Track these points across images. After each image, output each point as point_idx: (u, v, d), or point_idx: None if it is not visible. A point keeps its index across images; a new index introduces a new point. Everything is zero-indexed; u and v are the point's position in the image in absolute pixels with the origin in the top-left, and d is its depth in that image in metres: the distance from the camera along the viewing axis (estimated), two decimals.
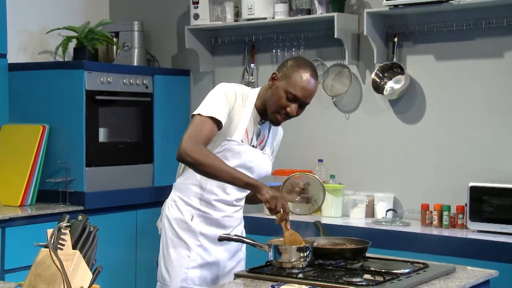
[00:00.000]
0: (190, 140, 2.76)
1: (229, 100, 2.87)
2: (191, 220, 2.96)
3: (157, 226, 3.12)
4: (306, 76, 2.85)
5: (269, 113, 2.92)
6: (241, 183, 2.77)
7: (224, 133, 2.87)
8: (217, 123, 2.83)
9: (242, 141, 2.90)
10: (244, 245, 3.06)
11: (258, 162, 2.96)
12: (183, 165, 3.00)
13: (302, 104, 2.89)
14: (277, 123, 2.97)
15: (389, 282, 2.49)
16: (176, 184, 3.04)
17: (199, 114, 2.83)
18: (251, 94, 2.95)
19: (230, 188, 2.95)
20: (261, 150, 3.00)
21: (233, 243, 2.99)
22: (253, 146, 2.96)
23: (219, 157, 2.81)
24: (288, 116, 2.90)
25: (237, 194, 3.00)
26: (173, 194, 3.03)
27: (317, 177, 2.97)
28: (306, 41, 4.85)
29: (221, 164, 2.76)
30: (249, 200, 3.13)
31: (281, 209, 2.69)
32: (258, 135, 2.98)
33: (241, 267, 3.07)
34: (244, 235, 3.11)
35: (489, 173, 4.20)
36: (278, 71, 2.90)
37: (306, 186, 2.92)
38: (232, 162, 2.87)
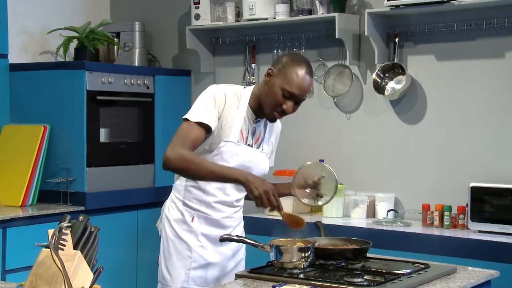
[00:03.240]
0: (173, 148, 2.80)
1: (218, 103, 2.87)
2: (192, 221, 2.96)
3: (157, 227, 3.12)
4: (302, 73, 2.85)
5: (265, 110, 2.92)
6: (226, 180, 2.80)
7: (219, 135, 2.88)
8: (205, 128, 2.84)
9: (238, 141, 2.90)
10: (244, 245, 3.06)
11: (256, 161, 2.97)
12: None
13: (298, 101, 2.90)
14: (273, 120, 2.98)
15: (390, 282, 2.49)
16: (175, 186, 3.04)
17: (186, 119, 2.85)
18: (244, 94, 2.95)
19: (229, 189, 2.96)
20: (258, 148, 3.00)
21: (233, 243, 2.99)
22: (248, 145, 2.96)
23: (202, 158, 2.82)
24: (284, 113, 2.90)
25: (237, 195, 3.01)
26: (173, 195, 3.03)
27: (333, 171, 2.90)
28: (307, 41, 4.85)
29: (205, 165, 2.78)
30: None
31: (269, 203, 2.69)
32: (253, 134, 2.98)
33: (241, 267, 3.08)
34: (243, 234, 3.11)
35: (490, 173, 4.19)
36: (274, 66, 2.91)
37: (319, 181, 2.87)
38: (230, 163, 2.88)
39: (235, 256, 3.08)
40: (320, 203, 2.92)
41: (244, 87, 3.01)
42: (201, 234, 2.96)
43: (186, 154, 2.78)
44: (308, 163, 2.93)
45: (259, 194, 2.69)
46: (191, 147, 2.82)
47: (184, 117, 2.87)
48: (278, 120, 3.08)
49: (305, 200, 2.90)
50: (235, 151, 2.89)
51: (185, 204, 2.98)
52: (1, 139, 4.78)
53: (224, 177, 2.78)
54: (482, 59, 4.30)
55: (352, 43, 4.63)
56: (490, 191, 3.96)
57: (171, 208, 3.01)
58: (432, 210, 4.26)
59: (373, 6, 4.61)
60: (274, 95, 2.87)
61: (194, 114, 2.85)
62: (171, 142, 2.83)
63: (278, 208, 2.72)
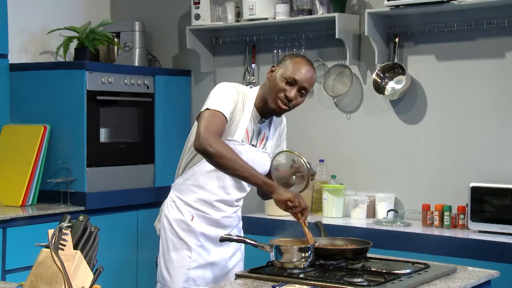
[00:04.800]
0: (209, 131, 2.76)
1: (233, 99, 2.89)
2: (192, 221, 2.96)
3: (155, 227, 3.12)
4: (301, 61, 2.93)
5: (270, 102, 2.93)
6: (258, 181, 2.78)
7: (225, 133, 2.88)
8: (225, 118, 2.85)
9: (242, 141, 2.91)
10: (243, 244, 3.06)
11: (258, 161, 2.97)
12: (182, 165, 3.01)
13: (300, 88, 2.90)
14: (279, 111, 2.96)
15: (390, 282, 2.49)
16: (175, 185, 3.03)
17: (207, 109, 2.83)
18: (250, 94, 2.97)
19: (230, 188, 2.96)
20: (262, 148, 3.00)
21: (233, 242, 2.99)
22: (253, 145, 2.96)
23: (236, 153, 2.81)
24: (288, 100, 2.89)
25: (237, 195, 3.01)
26: (172, 195, 3.03)
27: (292, 150, 2.91)
28: (307, 41, 4.85)
29: (240, 160, 2.77)
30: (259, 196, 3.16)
31: (299, 205, 2.71)
32: (258, 134, 2.99)
33: (240, 267, 3.08)
34: (242, 233, 3.12)
35: (490, 173, 4.19)
36: (275, 65, 2.98)
37: (294, 164, 2.87)
38: None
39: (234, 256, 3.08)
40: (305, 181, 2.88)
41: (250, 87, 3.01)
42: (201, 234, 2.96)
43: (224, 142, 2.80)
44: (277, 156, 2.92)
45: (293, 195, 2.71)
46: (221, 135, 2.82)
47: (204, 108, 2.84)
48: (283, 116, 3.09)
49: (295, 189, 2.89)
50: (239, 150, 2.89)
51: (185, 204, 2.97)
52: (1, 139, 4.78)
53: (257, 178, 2.77)
54: (482, 59, 4.30)
55: (352, 43, 4.63)
56: (490, 191, 3.96)
57: (170, 208, 3.01)
58: (432, 210, 4.26)
59: (373, 6, 4.61)
60: (276, 84, 2.90)
61: (215, 104, 2.84)
62: (203, 126, 2.76)
63: (303, 216, 2.73)
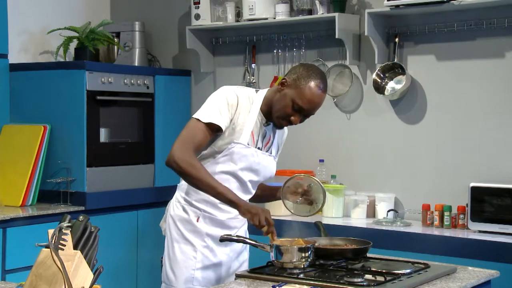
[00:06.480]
0: (181, 147, 2.79)
1: (230, 105, 2.87)
2: (197, 221, 2.95)
3: (160, 227, 3.11)
4: (315, 89, 2.85)
5: (274, 116, 2.93)
6: (224, 199, 2.81)
7: (230, 136, 2.88)
8: (215, 128, 2.84)
9: (248, 144, 2.90)
10: (248, 245, 3.05)
11: (264, 164, 2.97)
12: None
13: (307, 114, 2.91)
14: (280, 127, 2.99)
15: (390, 282, 2.49)
16: (180, 185, 3.03)
17: (196, 119, 2.84)
18: (257, 97, 2.95)
19: (235, 190, 2.95)
20: (267, 151, 3.00)
21: (238, 243, 2.98)
22: (258, 148, 2.96)
23: (206, 169, 2.82)
24: (291, 123, 2.92)
25: (242, 197, 3.00)
26: (178, 195, 3.02)
27: (318, 180, 2.96)
28: (307, 41, 4.85)
29: (206, 178, 2.79)
30: (263, 198, 3.16)
31: (265, 223, 2.72)
32: (263, 137, 2.98)
33: (245, 268, 3.07)
34: (247, 235, 3.11)
35: (490, 173, 4.19)
36: (288, 76, 2.89)
37: (308, 188, 2.91)
38: (239, 165, 2.89)
39: (240, 257, 3.07)
40: (314, 210, 2.93)
41: (256, 91, 3.00)
42: (206, 235, 2.95)
43: (193, 159, 2.79)
44: (294, 178, 2.96)
45: (252, 215, 2.73)
46: (197, 149, 2.83)
47: (194, 116, 2.85)
48: (285, 128, 3.10)
49: (298, 212, 2.94)
50: (244, 153, 2.89)
51: (190, 204, 2.97)
52: (1, 139, 4.78)
53: (223, 195, 2.79)
54: (482, 59, 4.30)
55: (352, 43, 4.63)
56: (490, 191, 3.96)
57: (176, 208, 3.00)
58: (432, 210, 4.26)
59: (373, 6, 4.61)
60: (284, 105, 2.87)
61: (206, 114, 2.84)
62: (179, 140, 2.81)
63: (272, 232, 2.74)
